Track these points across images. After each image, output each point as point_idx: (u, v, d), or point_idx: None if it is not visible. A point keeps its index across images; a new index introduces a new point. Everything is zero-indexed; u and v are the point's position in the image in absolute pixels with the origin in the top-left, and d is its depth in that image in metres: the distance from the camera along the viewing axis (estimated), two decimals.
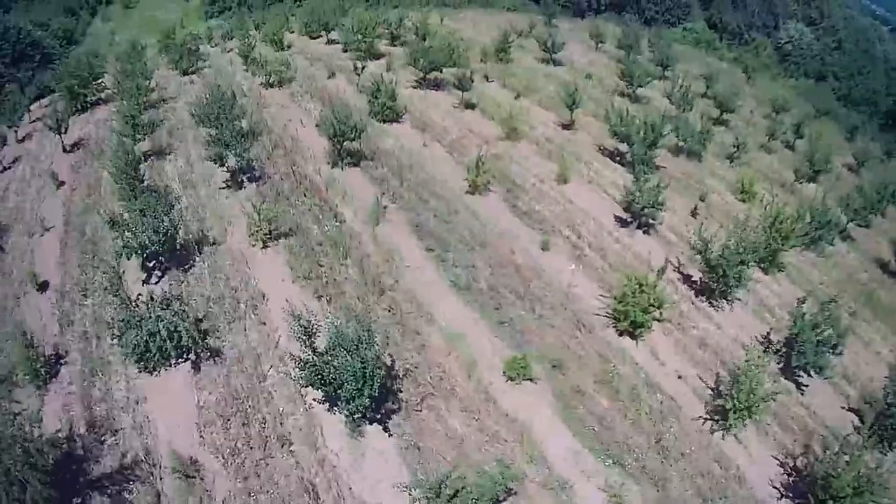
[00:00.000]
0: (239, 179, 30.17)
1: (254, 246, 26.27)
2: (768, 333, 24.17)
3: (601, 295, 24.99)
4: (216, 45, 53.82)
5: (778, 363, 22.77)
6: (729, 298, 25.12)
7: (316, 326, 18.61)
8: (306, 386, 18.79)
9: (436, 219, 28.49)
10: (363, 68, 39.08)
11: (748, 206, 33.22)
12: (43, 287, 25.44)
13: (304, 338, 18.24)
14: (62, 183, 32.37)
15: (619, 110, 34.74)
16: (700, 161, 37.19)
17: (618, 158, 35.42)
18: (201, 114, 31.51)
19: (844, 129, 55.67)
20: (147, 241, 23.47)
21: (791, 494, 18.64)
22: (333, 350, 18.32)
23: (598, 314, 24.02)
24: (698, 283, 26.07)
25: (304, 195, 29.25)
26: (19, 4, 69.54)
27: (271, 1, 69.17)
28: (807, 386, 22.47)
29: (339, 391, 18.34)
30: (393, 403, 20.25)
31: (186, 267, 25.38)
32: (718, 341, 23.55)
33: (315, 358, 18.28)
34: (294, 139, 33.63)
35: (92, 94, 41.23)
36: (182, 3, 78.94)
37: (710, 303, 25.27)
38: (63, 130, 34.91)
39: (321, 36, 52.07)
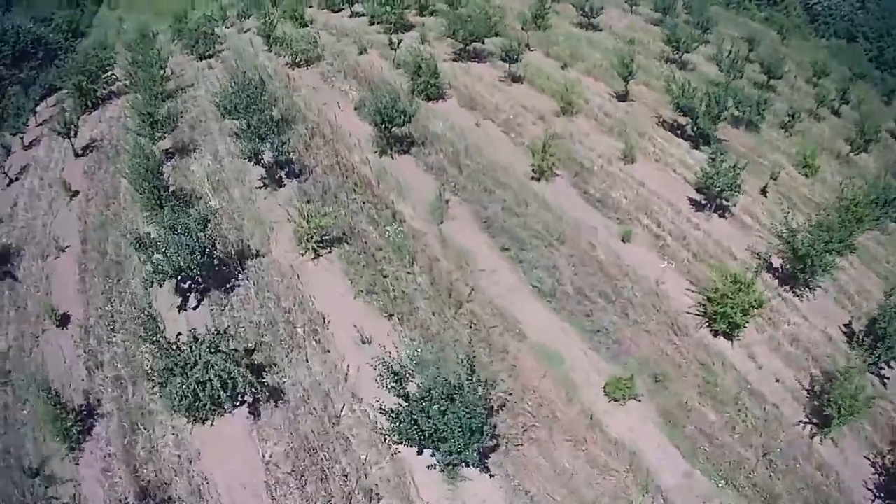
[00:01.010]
0: (277, 176, 26.43)
1: (303, 255, 22.69)
2: (850, 322, 22.28)
3: (689, 290, 22.40)
4: (232, 26, 49.67)
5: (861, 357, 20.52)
6: (812, 286, 23.05)
7: (405, 368, 15.02)
8: (399, 442, 15.23)
9: (504, 211, 24.87)
10: (399, 42, 34.82)
11: (811, 180, 30.48)
12: (64, 321, 22.21)
13: (395, 385, 14.63)
14: (75, 193, 28.93)
15: (680, 81, 31.54)
16: (758, 132, 33.30)
17: (679, 132, 31.66)
18: (227, 104, 27.68)
19: (881, 92, 52.48)
20: (181, 264, 19.84)
21: (883, 495, 17.34)
22: (429, 396, 14.70)
23: (689, 312, 21.51)
24: (780, 270, 23.68)
25: (354, 191, 25.53)
26: (18, 7, 65.61)
27: None
28: (888, 378, 20.52)
29: (439, 445, 14.75)
30: (490, 439, 16.75)
31: (228, 287, 21.84)
32: (809, 335, 21.47)
33: (407, 408, 14.68)
34: (333, 125, 29.75)
35: (102, 89, 37.57)
36: None
37: (794, 292, 23.05)
38: (73, 133, 31.27)
39: (343, 9, 47.65)
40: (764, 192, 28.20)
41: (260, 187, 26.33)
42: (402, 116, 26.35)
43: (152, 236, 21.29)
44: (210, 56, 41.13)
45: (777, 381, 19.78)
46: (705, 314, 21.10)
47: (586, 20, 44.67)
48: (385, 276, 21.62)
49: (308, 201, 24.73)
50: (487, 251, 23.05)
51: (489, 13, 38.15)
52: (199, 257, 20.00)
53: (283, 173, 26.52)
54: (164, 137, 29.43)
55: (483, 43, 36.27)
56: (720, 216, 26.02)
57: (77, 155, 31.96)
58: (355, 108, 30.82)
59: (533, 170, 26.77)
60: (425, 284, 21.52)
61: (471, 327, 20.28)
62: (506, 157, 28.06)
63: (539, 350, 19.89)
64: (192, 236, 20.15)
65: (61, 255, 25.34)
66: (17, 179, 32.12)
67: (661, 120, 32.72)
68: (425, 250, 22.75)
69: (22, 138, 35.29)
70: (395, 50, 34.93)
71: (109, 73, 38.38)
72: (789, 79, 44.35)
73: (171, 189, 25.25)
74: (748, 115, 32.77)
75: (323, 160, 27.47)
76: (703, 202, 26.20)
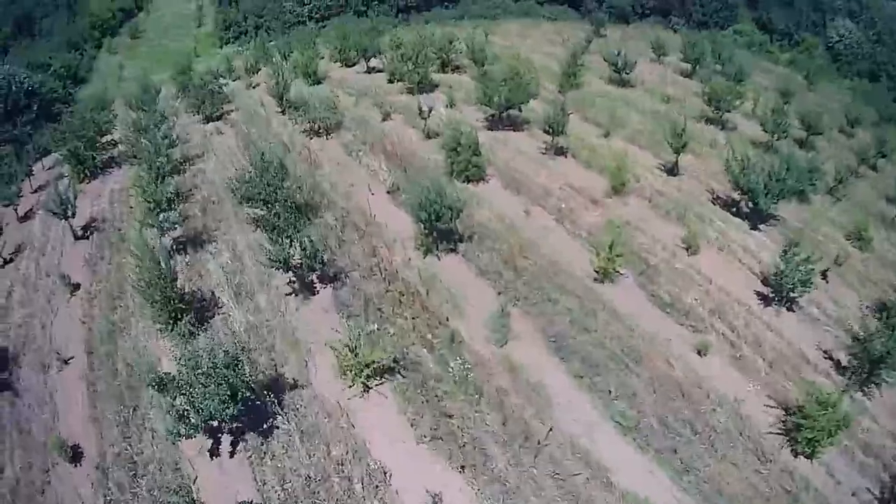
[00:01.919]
0: (307, 279, 23.34)
1: (350, 387, 19.56)
2: None
3: (768, 405, 20.25)
4: (238, 79, 46.79)
5: None
6: (878, 383, 21.11)
7: None
8: None
9: (572, 324, 22.08)
10: (430, 112, 32.04)
11: (866, 254, 28.44)
12: (76, 457, 19.14)
13: None
14: (76, 286, 25.76)
15: (738, 156, 29.11)
16: (808, 202, 31.22)
17: (734, 209, 29.37)
18: (245, 193, 24.78)
19: None
20: (211, 412, 16.71)
21: None
22: None
23: (771, 432, 19.48)
24: (847, 366, 21.67)
25: (400, 302, 22.51)
26: (20, 43, 62.18)
27: (290, 23, 61.69)
28: None
29: None
30: None
31: (266, 428, 18.67)
32: (882, 442, 19.62)
33: None
34: (365, 214, 26.80)
35: (101, 154, 34.30)
36: (191, 29, 71.50)
37: (862, 391, 21.09)
38: (71, 214, 28.00)
39: (357, 62, 44.93)
40: (825, 276, 25.81)
41: (289, 293, 23.23)
42: (450, 212, 23.50)
43: (172, 374, 18.04)
44: (218, 118, 38.15)
45: (853, 494, 18.20)
46: (785, 431, 19.33)
47: (618, 75, 42.19)
48: (450, 416, 18.61)
49: (348, 316, 21.72)
50: (560, 378, 20.21)
51: (520, 73, 35.58)
52: (231, 408, 16.88)
53: (313, 275, 23.42)
54: (175, 228, 26.15)
55: (520, 111, 33.62)
56: (788, 309, 23.73)
57: (76, 237, 28.70)
58: (388, 193, 27.93)
59: (596, 270, 24.04)
60: (496, 424, 18.61)
61: (553, 477, 17.50)
62: (563, 254, 25.30)
63: (630, 501, 17.21)
64: (221, 378, 16.99)
65: (65, 368, 22.11)
66: (11, 261, 28.81)
67: (714, 196, 30.36)
68: (491, 380, 19.81)
69: (16, 210, 31.94)
70: (426, 119, 32.14)
71: (109, 137, 35.22)
72: (826, 131, 42.32)
73: (185, 294, 22.13)
74: (800, 187, 30.50)
75: (359, 258, 24.49)
76: (771, 295, 23.99)
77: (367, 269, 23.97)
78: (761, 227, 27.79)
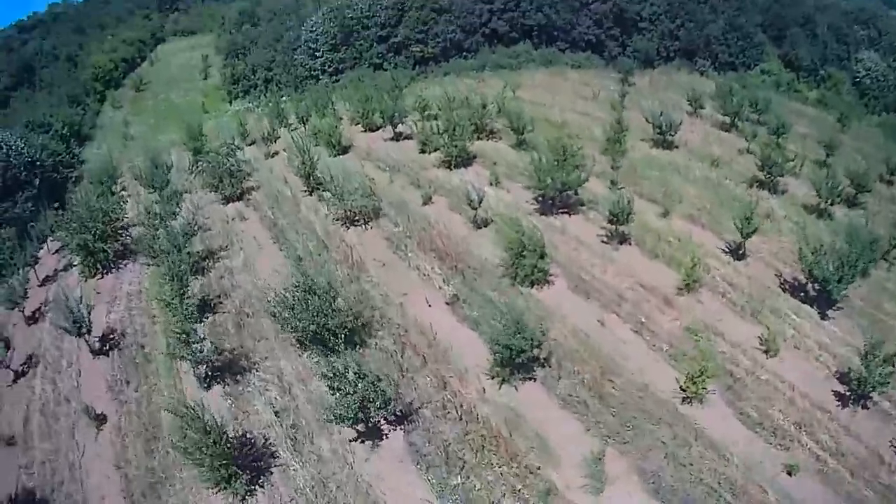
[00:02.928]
0: (372, 420, 20.39)
1: None
2: None
3: None
4: (253, 143, 43.98)
5: None
6: None
7: None
8: None
9: (666, 459, 19.69)
10: (480, 201, 29.33)
11: None
12: None
13: None
14: (103, 418, 22.74)
15: (811, 238, 27.25)
16: (868, 276, 28.42)
17: (802, 294, 27.14)
18: (290, 322, 22.07)
19: None
20: None
21: None
22: None
23: None
24: None
25: (483, 447, 19.74)
26: (20, 94, 58.89)
27: (302, 77, 58.71)
28: None
29: None
30: None
31: None
32: None
33: None
34: (426, 332, 24.00)
35: (112, 243, 31.04)
36: (197, 82, 68.40)
37: None
38: (86, 330, 24.96)
39: (383, 127, 42.10)
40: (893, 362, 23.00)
41: (355, 438, 20.33)
42: (531, 345, 20.87)
43: None
44: (239, 197, 35.29)
45: None
46: None
47: (661, 136, 39.67)
48: None
49: (427, 468, 18.95)
50: None
51: (566, 147, 33.06)
52: None
53: (380, 415, 20.47)
54: (209, 363, 22.95)
55: (577, 193, 31.04)
56: (862, 407, 21.96)
57: (94, 351, 25.66)
58: (448, 304, 25.18)
59: (682, 389, 21.63)
60: None
61: None
62: (647, 373, 22.72)
63: None
64: None
65: None
66: (24, 374, 25.93)
67: (782, 279, 28.03)
68: None
69: (23, 311, 28.79)
70: (477, 209, 29.44)
71: (121, 225, 32.17)
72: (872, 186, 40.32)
73: (233, 440, 19.17)
74: (866, 266, 28.23)
75: (427, 392, 21.73)
76: (846, 393, 22.37)
77: (439, 406, 21.19)
78: (830, 313, 25.87)
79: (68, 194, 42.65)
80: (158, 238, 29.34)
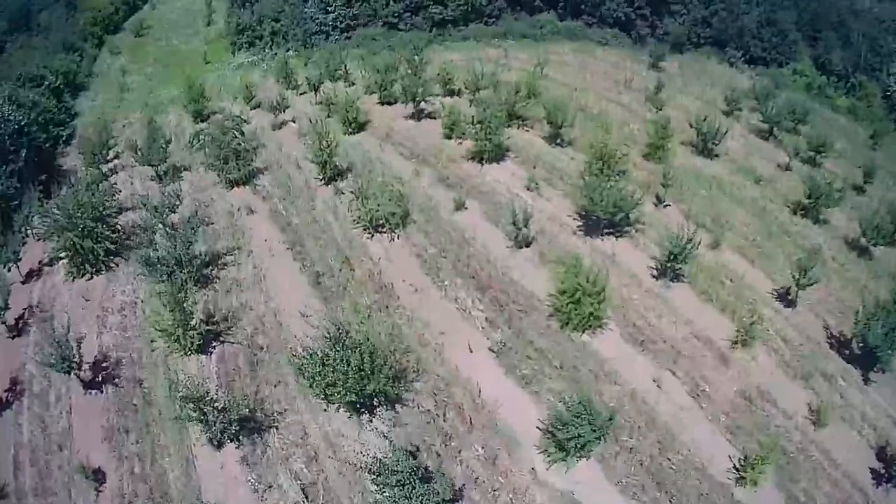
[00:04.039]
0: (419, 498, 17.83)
1: None
2: None
3: None
4: (259, 106, 39.95)
5: None
6: None
7: None
8: None
9: None
10: (526, 222, 26.08)
11: None
12: None
13: None
14: (101, 475, 20.01)
15: (852, 281, 26.43)
16: None
17: (846, 352, 24.92)
18: (321, 384, 19.22)
19: None
20: None
21: None
22: None
23: None
24: None
25: None
26: (16, 39, 53.29)
27: (312, 31, 53.14)
28: None
29: None
30: None
31: None
32: None
33: None
34: (469, 388, 21.34)
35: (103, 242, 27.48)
36: (200, 27, 62.22)
37: None
38: (76, 365, 21.88)
39: (399, 101, 37.99)
40: None
41: None
42: (597, 434, 18.44)
43: None
44: (245, 181, 31.70)
45: None
46: None
47: (702, 142, 36.22)
48: None
49: None
50: None
51: (612, 155, 29.90)
52: None
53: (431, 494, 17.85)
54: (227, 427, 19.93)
55: (628, 218, 27.92)
56: (894, 486, 20.82)
57: (86, 384, 22.68)
58: (491, 350, 22.40)
59: (738, 470, 19.89)
60: None
61: None
62: (703, 448, 20.64)
63: None
64: None
65: None
66: (9, 404, 22.89)
67: (829, 334, 25.78)
68: None
69: (4, 322, 25.39)
70: (521, 229, 26.29)
71: (114, 221, 28.65)
72: None
73: None
74: None
75: (475, 470, 19.23)
76: (882, 471, 21.24)
77: (489, 489, 18.72)
78: (872, 376, 24.03)
79: (57, 163, 38.41)
80: (155, 244, 26.01)
